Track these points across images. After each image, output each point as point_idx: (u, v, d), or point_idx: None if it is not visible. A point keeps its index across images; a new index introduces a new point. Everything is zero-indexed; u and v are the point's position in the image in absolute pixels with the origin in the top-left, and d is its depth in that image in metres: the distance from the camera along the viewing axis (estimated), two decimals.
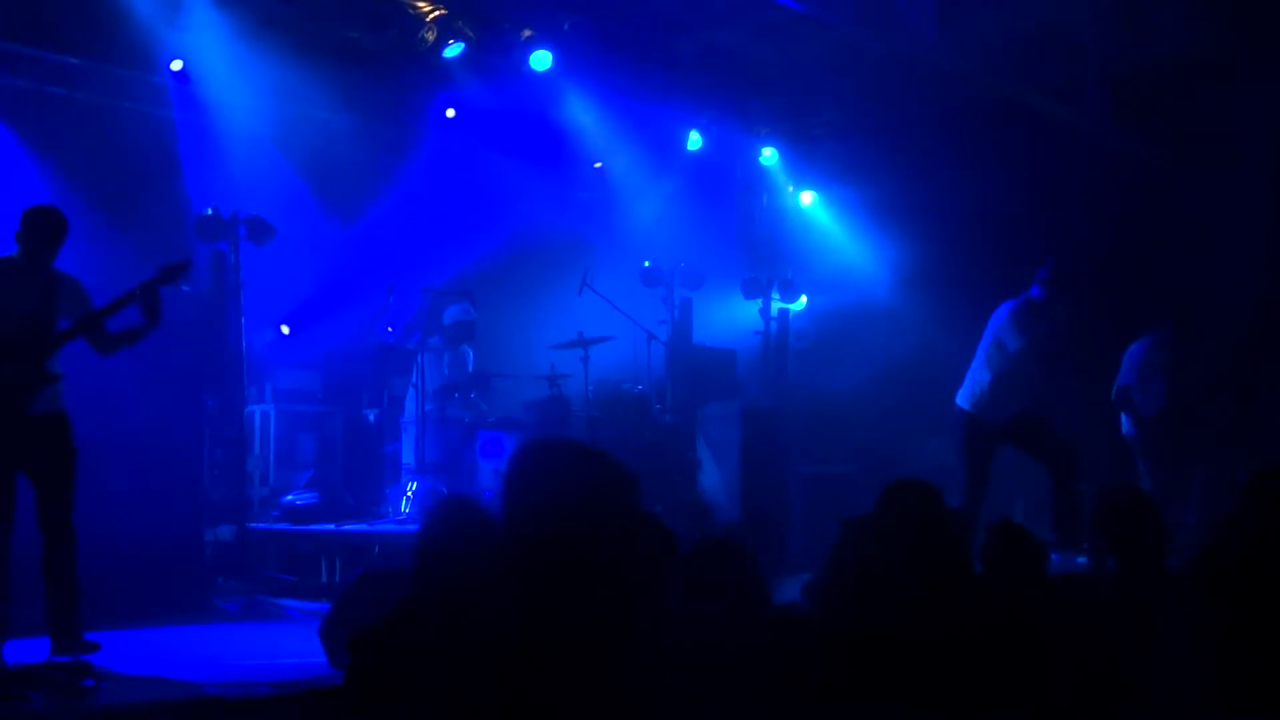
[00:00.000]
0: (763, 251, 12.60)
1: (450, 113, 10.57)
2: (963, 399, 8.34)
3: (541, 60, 9.87)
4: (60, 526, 5.89)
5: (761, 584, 3.78)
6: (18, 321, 5.87)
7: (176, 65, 8.93)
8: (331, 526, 8.87)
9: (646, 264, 11.30)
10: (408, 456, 9.70)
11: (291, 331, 10.23)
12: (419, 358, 9.63)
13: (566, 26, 9.97)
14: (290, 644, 6.33)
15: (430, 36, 9.45)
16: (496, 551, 2.15)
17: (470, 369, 10.14)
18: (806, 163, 12.57)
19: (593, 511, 2.09)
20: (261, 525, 9.10)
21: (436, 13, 9.40)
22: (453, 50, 9.55)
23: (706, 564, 3.68)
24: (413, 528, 7.97)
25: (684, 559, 3.65)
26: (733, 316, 12.25)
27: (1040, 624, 4.26)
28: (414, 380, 9.75)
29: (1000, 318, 8.25)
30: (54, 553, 5.88)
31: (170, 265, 6.10)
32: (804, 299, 12.52)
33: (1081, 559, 7.22)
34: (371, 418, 10.30)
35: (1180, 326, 9.68)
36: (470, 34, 9.59)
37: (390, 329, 9.73)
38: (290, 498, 9.36)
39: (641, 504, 2.18)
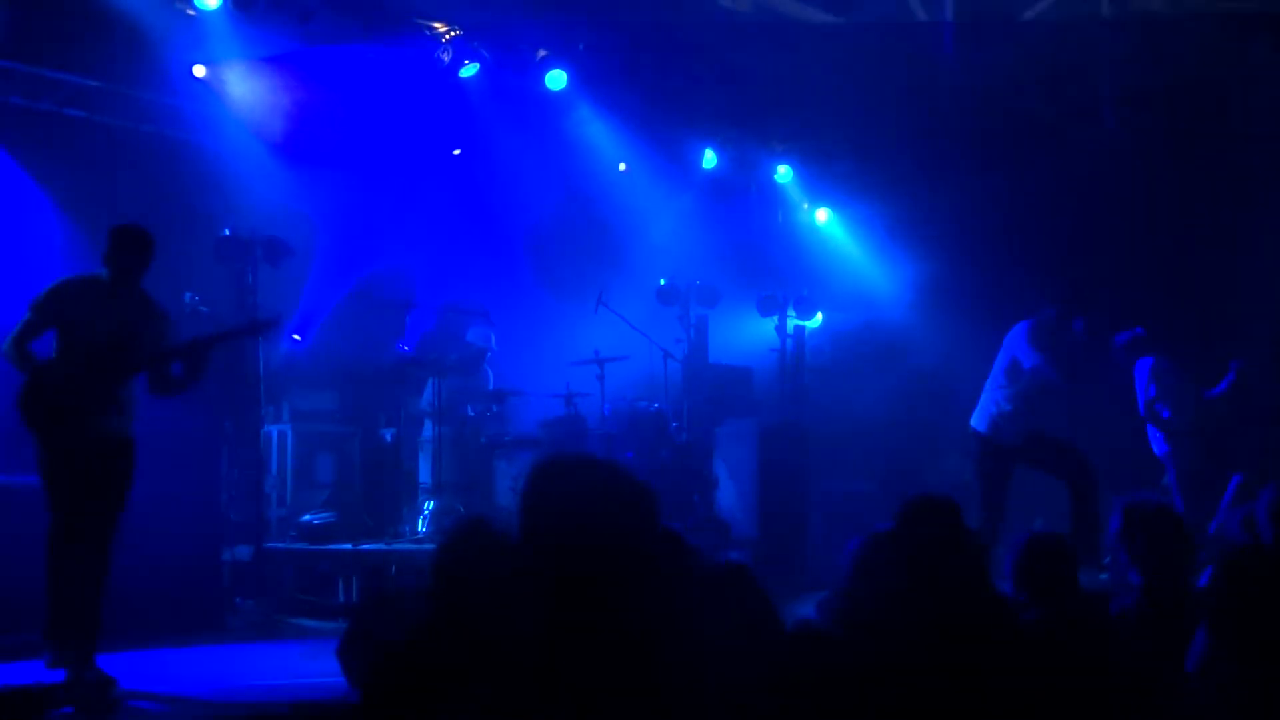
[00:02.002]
0: (779, 269, 12.59)
1: (457, 152, 10.65)
2: (977, 421, 8.30)
3: (556, 80, 9.91)
4: (98, 550, 5.91)
5: (771, 609, 3.76)
6: (99, 342, 5.90)
7: (199, 71, 8.94)
8: (349, 546, 8.86)
9: (662, 282, 11.31)
10: (424, 476, 9.70)
11: (304, 339, 10.20)
12: (439, 377, 9.64)
13: (581, 46, 10.01)
14: (308, 663, 6.33)
15: (446, 57, 9.50)
16: (514, 570, 2.14)
17: (490, 388, 10.14)
18: (822, 180, 12.57)
19: (611, 527, 2.08)
20: (279, 545, 9.10)
21: (452, 33, 9.44)
22: (468, 70, 9.60)
23: (713, 592, 3.66)
24: (430, 547, 7.96)
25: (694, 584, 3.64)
26: (749, 334, 12.23)
27: (1063, 643, 4.23)
28: (431, 400, 9.76)
29: (1015, 338, 8.22)
30: (85, 576, 5.88)
31: (258, 320, 6.16)
32: (820, 316, 12.50)
33: (1103, 575, 7.17)
34: (389, 437, 10.30)
35: (1206, 342, 9.63)
36: (486, 54, 9.63)
37: (406, 346, 9.73)
38: (307, 517, 9.36)
39: (660, 520, 2.16)
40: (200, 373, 6.12)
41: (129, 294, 6.03)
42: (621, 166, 11.61)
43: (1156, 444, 9.50)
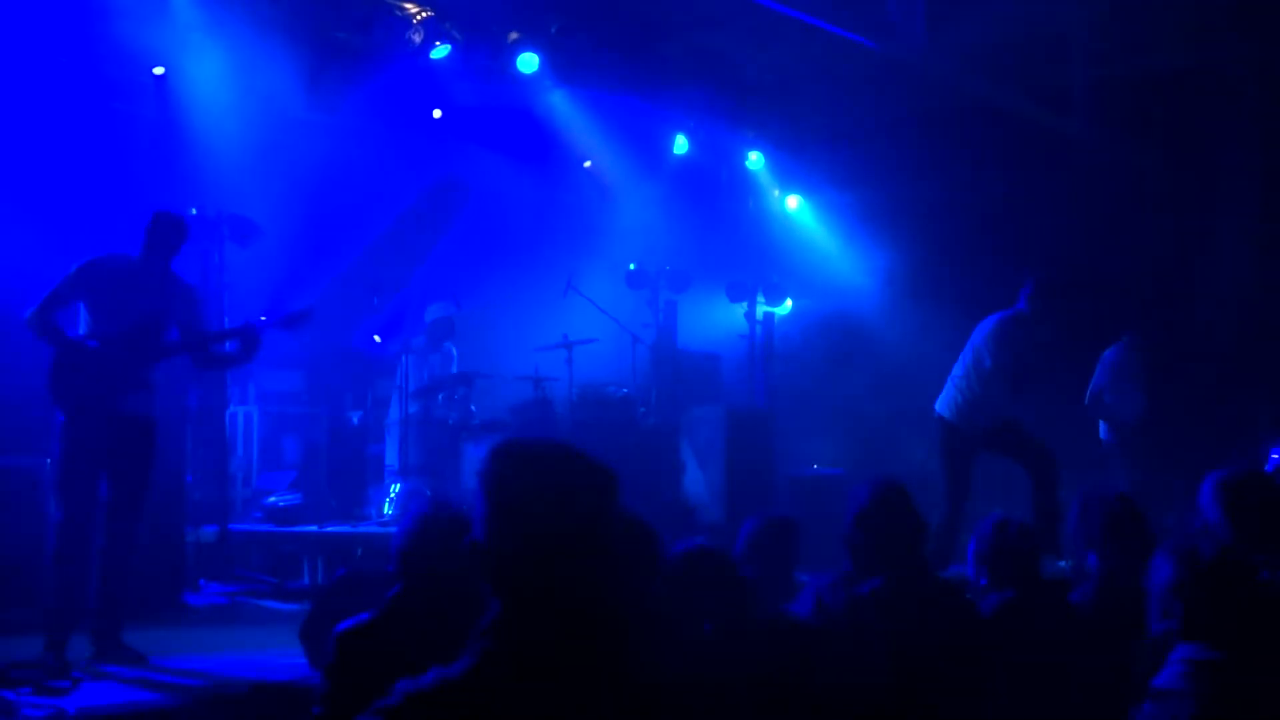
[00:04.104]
0: (749, 255, 12.61)
1: (437, 113, 10.55)
2: (942, 407, 8.34)
3: (528, 63, 9.87)
4: (126, 531, 5.99)
5: (745, 590, 3.79)
6: (130, 321, 5.99)
7: (158, 71, 8.88)
8: (314, 528, 8.85)
9: (632, 266, 11.30)
10: (391, 458, 9.68)
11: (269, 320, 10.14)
12: (403, 359, 9.61)
13: (554, 30, 9.97)
14: (271, 645, 6.31)
15: (417, 38, 9.44)
16: (473, 551, 2.14)
17: (455, 368, 10.12)
18: (793, 167, 12.58)
19: (567, 509, 2.08)
20: (244, 526, 9.07)
21: (424, 14, 9.39)
22: (439, 52, 9.54)
23: (688, 571, 3.69)
24: (395, 529, 7.96)
25: (666, 565, 3.67)
26: (718, 320, 12.25)
27: (1022, 627, 4.27)
28: (398, 382, 9.73)
29: (985, 329, 8.25)
30: (111, 554, 5.97)
31: (291, 314, 6.34)
32: (789, 303, 12.53)
33: (1062, 563, 7.24)
34: (355, 419, 10.28)
35: (1158, 331, 9.72)
36: (457, 36, 9.58)
37: (378, 338, 9.70)
38: (273, 499, 9.33)
39: (621, 502, 2.16)
40: (253, 356, 6.31)
41: (160, 275, 6.13)
42: (587, 164, 11.61)
43: (1103, 431, 9.63)
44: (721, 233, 12.62)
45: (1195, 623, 3.28)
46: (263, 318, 6.55)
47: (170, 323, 6.18)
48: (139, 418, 6.03)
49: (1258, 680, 3.21)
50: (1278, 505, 4.38)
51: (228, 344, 6.42)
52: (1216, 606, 3.28)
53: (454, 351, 10.26)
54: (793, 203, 12.80)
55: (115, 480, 6.00)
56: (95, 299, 6.03)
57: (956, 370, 8.37)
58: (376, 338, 9.76)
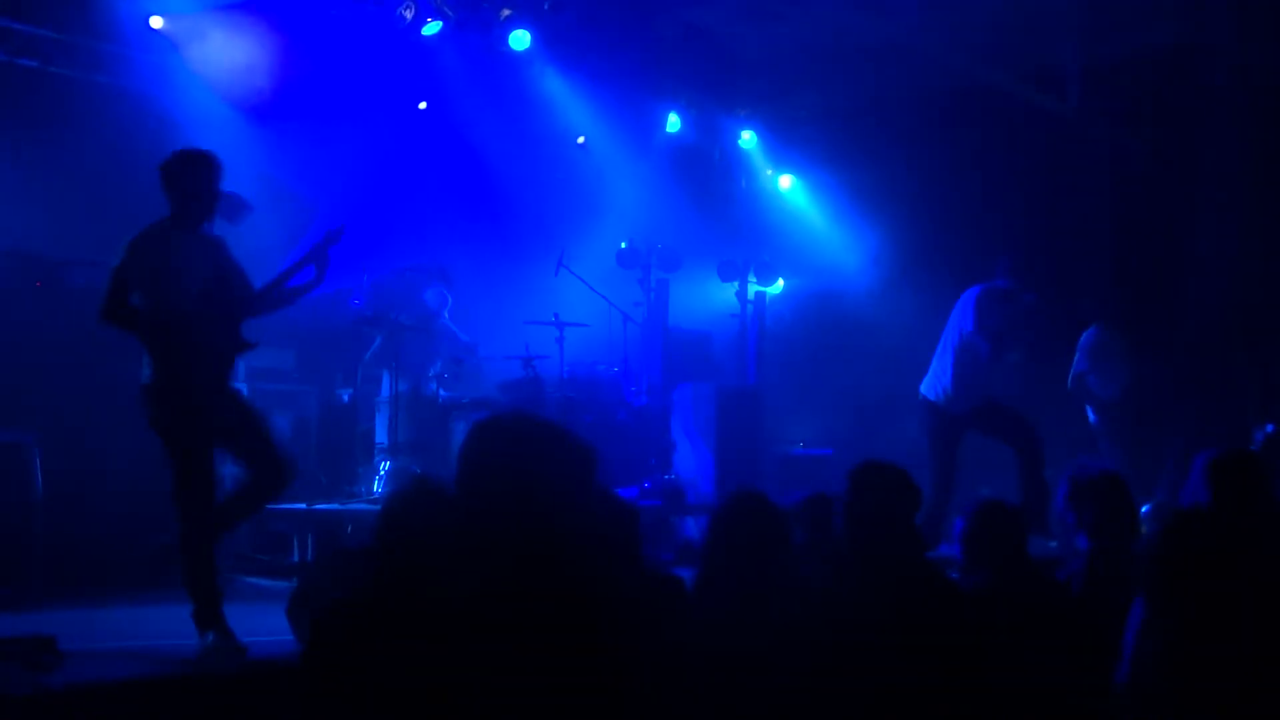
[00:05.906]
0: (740, 234, 12.59)
1: (422, 105, 10.53)
2: (926, 388, 8.35)
3: (520, 40, 9.83)
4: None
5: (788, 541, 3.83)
6: (203, 290, 5.49)
7: (157, 22, 8.79)
8: (303, 505, 8.82)
9: (623, 245, 11.27)
10: (381, 436, 9.66)
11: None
12: (394, 337, 9.59)
13: (546, 6, 9.93)
14: (260, 622, 6.30)
15: (409, 14, 9.40)
16: (454, 528, 2.14)
17: (463, 342, 10.11)
18: (786, 146, 12.55)
19: (544, 485, 2.07)
20: None
21: None
22: (431, 28, 9.50)
23: (741, 514, 3.73)
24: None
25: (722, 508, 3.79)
26: (709, 299, 12.24)
27: (1007, 607, 4.27)
28: (389, 359, 9.70)
29: (963, 304, 8.26)
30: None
31: (332, 230, 5.93)
32: (781, 282, 12.51)
33: (1052, 544, 7.26)
34: (345, 397, 10.25)
35: (1137, 311, 9.74)
36: (449, 12, 9.54)
37: (356, 302, 9.66)
38: None
39: (598, 478, 2.16)
40: (324, 275, 5.94)
41: (204, 235, 5.64)
42: (580, 140, 11.55)
43: (1090, 414, 9.65)
44: (713, 212, 12.59)
45: (1160, 591, 3.30)
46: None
47: (232, 282, 5.70)
48: (232, 387, 5.74)
49: (1214, 648, 3.22)
50: (1265, 484, 4.40)
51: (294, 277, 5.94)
52: (1178, 575, 3.30)
53: (453, 327, 10.23)
54: (785, 182, 12.75)
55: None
56: (153, 275, 5.42)
57: (939, 351, 8.37)
58: (355, 301, 9.71)
